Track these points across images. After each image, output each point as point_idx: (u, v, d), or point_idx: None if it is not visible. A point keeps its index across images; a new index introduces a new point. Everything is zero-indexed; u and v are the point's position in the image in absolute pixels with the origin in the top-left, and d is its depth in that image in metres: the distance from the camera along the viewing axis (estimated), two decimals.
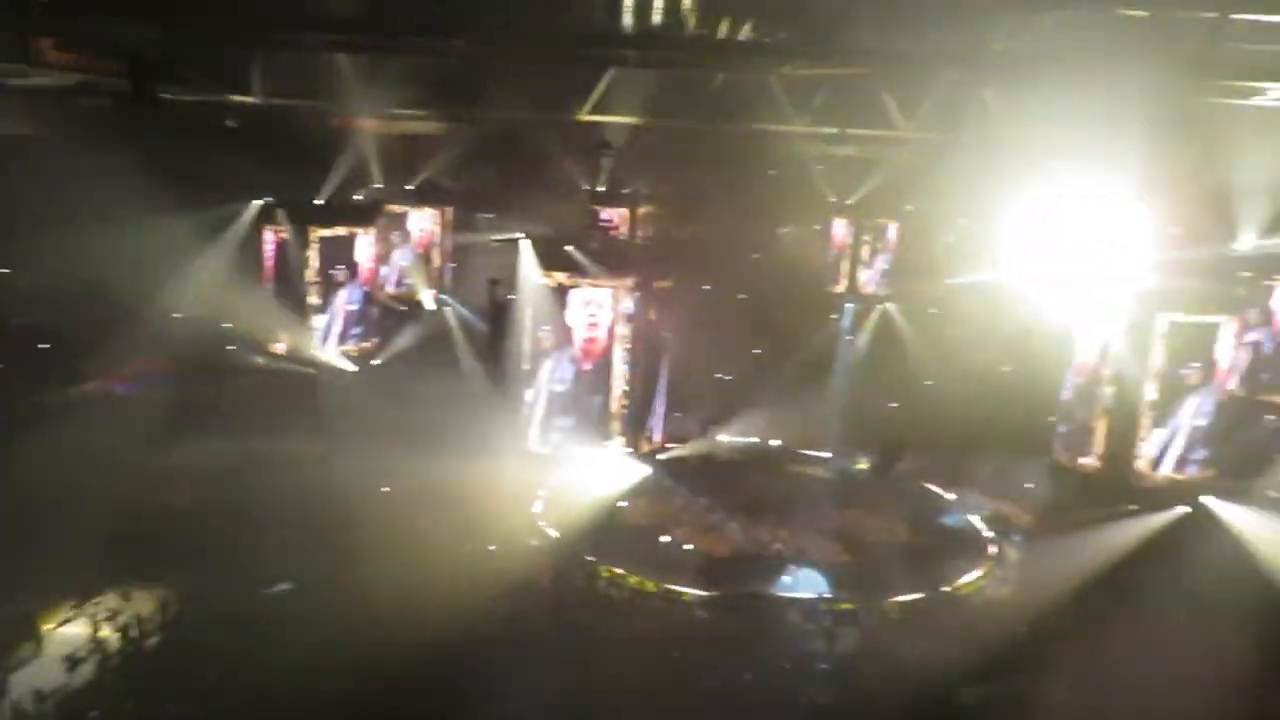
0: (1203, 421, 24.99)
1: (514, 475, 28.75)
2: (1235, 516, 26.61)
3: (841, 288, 44.09)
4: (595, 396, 25.69)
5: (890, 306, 44.42)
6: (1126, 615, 23.70)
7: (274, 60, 26.34)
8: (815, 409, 41.24)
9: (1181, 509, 25.71)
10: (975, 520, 32.33)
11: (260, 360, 31.81)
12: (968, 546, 30.22)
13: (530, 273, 25.66)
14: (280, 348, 31.85)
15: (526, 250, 25.93)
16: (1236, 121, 23.75)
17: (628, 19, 17.76)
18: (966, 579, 27.84)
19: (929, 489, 34.86)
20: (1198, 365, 25.02)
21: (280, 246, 31.29)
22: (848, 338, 44.93)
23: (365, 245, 32.03)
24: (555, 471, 28.89)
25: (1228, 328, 25.06)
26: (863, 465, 36.29)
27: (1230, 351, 25.61)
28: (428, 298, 37.23)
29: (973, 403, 40.29)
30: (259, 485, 25.66)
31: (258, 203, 31.38)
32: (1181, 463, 24.97)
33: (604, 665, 22.63)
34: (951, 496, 34.07)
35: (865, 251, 43.63)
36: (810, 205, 44.60)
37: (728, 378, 45.73)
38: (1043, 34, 17.97)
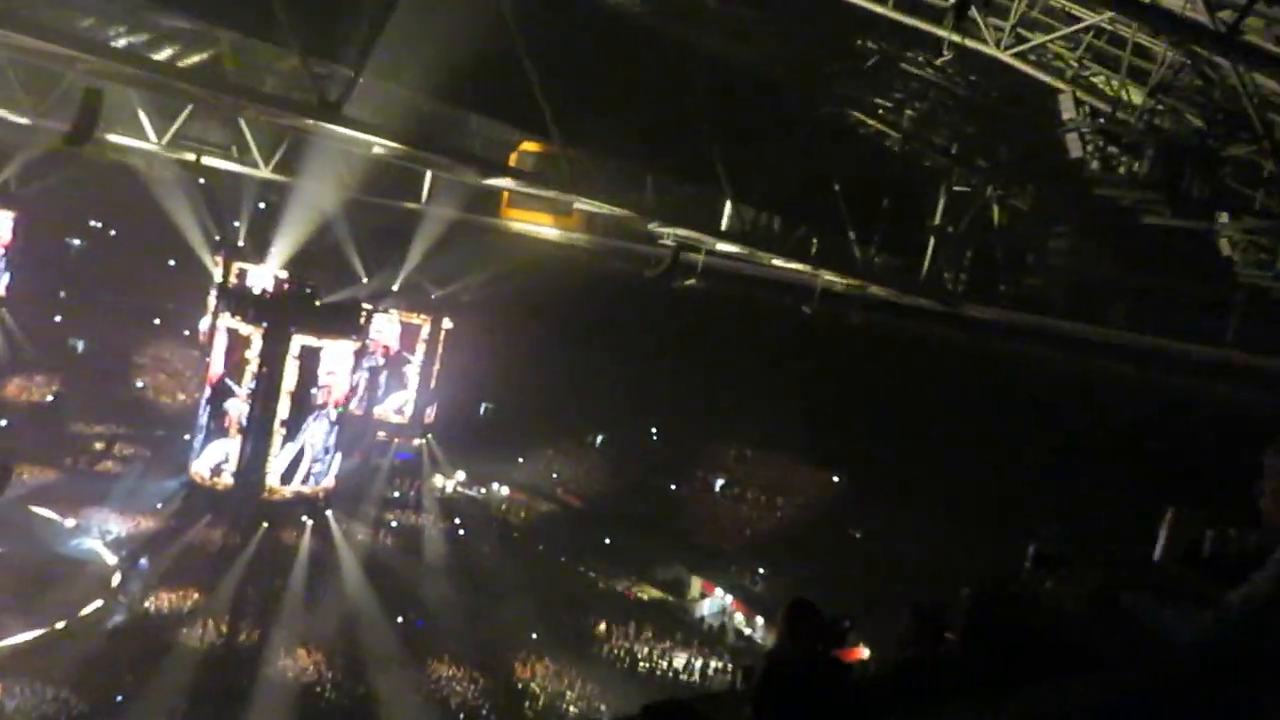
0: (325, 439, 27.37)
1: None
2: (341, 525, 30.07)
3: None
4: None
5: (4, 310, 38.75)
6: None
7: None
8: None
9: (306, 520, 27.75)
10: (99, 545, 30.09)
11: None
12: (89, 574, 27.93)
13: None
14: None
15: None
16: None
17: None
18: (87, 609, 25.74)
19: (44, 514, 31.22)
20: (323, 386, 27.34)
21: None
22: None
23: None
24: None
25: (349, 352, 27.96)
26: None
27: (351, 375, 28.65)
28: None
29: (105, 418, 37.57)
30: None
31: None
32: (308, 477, 26.95)
33: None
34: (72, 521, 31.10)
35: None
36: None
37: None
38: None
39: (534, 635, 29.61)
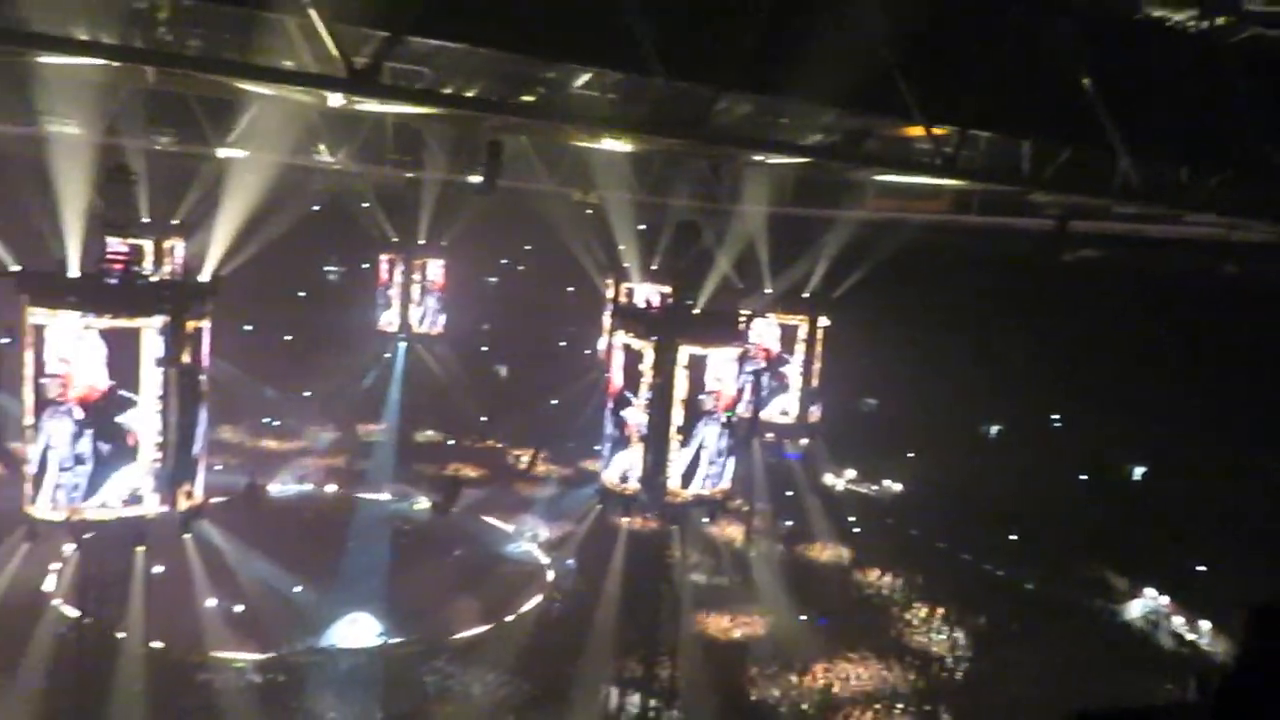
0: (718, 442, 28.44)
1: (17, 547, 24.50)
2: (739, 525, 30.78)
3: (392, 326, 43.56)
4: (117, 450, 22.35)
5: (442, 345, 44.87)
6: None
7: None
8: (371, 449, 40.42)
9: (706, 520, 29.06)
10: (533, 548, 33.80)
11: None
12: (527, 573, 31.48)
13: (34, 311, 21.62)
14: None
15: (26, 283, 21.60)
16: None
17: None
18: (529, 604, 28.99)
19: (489, 522, 35.77)
20: (712, 392, 28.44)
21: None
22: (399, 376, 44.58)
23: None
24: (70, 538, 25.05)
25: (734, 358, 28.83)
26: (422, 504, 36.19)
27: (736, 380, 29.48)
28: None
29: (528, 436, 42.18)
30: None
31: None
32: (705, 479, 28.17)
33: None
34: (510, 527, 35.29)
35: (415, 290, 43.50)
36: (357, 241, 43.80)
37: (276, 423, 43.18)
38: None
39: (940, 634, 28.62)
